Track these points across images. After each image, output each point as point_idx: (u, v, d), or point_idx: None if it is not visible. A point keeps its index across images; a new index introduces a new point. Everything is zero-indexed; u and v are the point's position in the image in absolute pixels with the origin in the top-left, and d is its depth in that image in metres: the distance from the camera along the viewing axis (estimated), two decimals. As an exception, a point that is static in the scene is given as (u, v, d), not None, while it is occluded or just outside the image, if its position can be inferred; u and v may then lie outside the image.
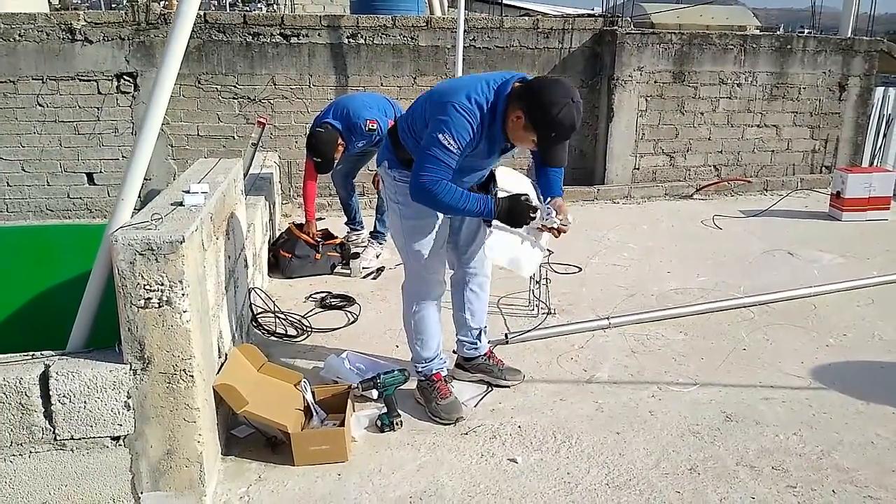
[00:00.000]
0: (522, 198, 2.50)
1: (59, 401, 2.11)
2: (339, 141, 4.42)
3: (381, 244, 4.88)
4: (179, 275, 2.09)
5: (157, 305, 2.10)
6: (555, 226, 2.55)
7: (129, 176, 2.28)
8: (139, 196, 6.30)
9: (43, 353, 2.21)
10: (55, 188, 6.22)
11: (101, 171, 6.24)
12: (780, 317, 3.79)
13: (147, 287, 2.08)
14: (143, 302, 2.08)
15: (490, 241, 2.60)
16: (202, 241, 2.35)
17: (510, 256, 2.63)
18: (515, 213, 2.47)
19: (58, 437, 2.14)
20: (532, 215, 2.49)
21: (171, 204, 2.42)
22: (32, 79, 5.94)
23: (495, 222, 2.51)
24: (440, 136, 2.38)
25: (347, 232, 5.10)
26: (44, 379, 2.10)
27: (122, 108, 6.10)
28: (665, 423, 2.76)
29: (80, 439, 2.16)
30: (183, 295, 2.11)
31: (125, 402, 2.15)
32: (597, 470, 2.47)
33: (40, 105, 6.01)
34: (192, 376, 2.17)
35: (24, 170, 6.13)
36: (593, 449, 2.59)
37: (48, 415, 2.12)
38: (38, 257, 5.63)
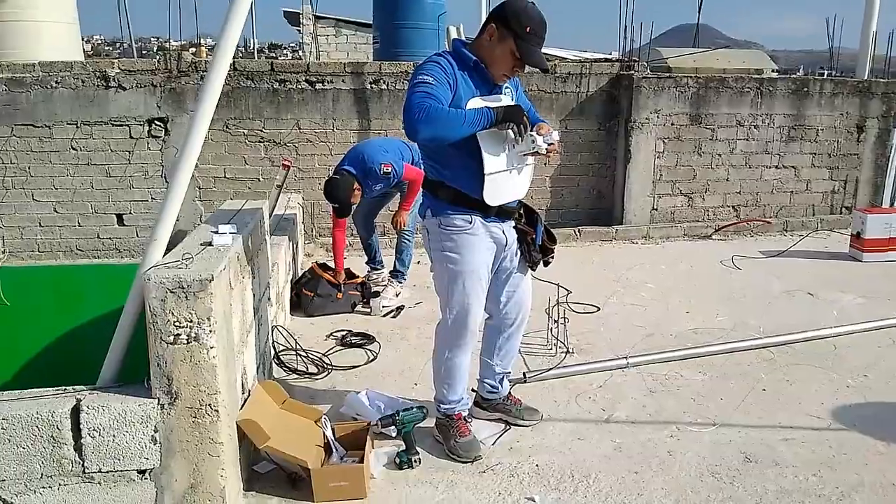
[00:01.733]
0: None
1: (89, 434, 2.18)
2: (355, 186, 4.54)
3: (400, 283, 4.96)
4: (207, 312, 2.17)
5: (185, 342, 2.18)
6: (542, 151, 2.58)
7: (162, 217, 2.39)
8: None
9: (74, 387, 2.29)
10: (86, 228, 6.41)
11: (130, 213, 6.43)
12: (800, 357, 3.77)
13: (177, 323, 2.16)
14: (172, 338, 2.17)
15: (487, 188, 2.58)
16: (230, 279, 2.44)
17: (506, 195, 2.66)
18: (511, 111, 2.52)
19: (86, 470, 2.21)
20: (526, 121, 2.53)
21: (201, 244, 2.52)
22: (67, 123, 6.19)
23: (486, 146, 2.55)
24: (415, 80, 2.49)
25: (368, 271, 5.19)
26: (75, 413, 2.17)
27: (152, 151, 6.32)
28: (683, 463, 2.76)
29: (107, 472, 2.22)
30: (210, 332, 2.19)
31: (152, 436, 2.22)
32: (614, 509, 2.48)
33: (74, 149, 6.25)
34: (217, 411, 2.24)
35: (56, 211, 6.34)
36: (611, 489, 2.60)
37: (78, 448, 2.19)
38: (68, 295, 5.79)
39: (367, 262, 5.26)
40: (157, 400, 2.21)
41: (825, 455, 2.81)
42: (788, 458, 2.78)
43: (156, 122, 6.28)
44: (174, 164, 2.51)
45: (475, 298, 2.72)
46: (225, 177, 6.42)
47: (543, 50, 2.68)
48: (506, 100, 2.66)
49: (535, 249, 2.81)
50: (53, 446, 2.17)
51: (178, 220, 6.62)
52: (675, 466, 2.74)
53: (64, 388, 2.29)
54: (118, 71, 6.15)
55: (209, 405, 2.23)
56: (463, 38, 8.40)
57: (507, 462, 2.78)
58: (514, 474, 2.70)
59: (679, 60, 7.42)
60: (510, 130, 2.55)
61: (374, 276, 5.15)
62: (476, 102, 2.55)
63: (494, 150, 2.58)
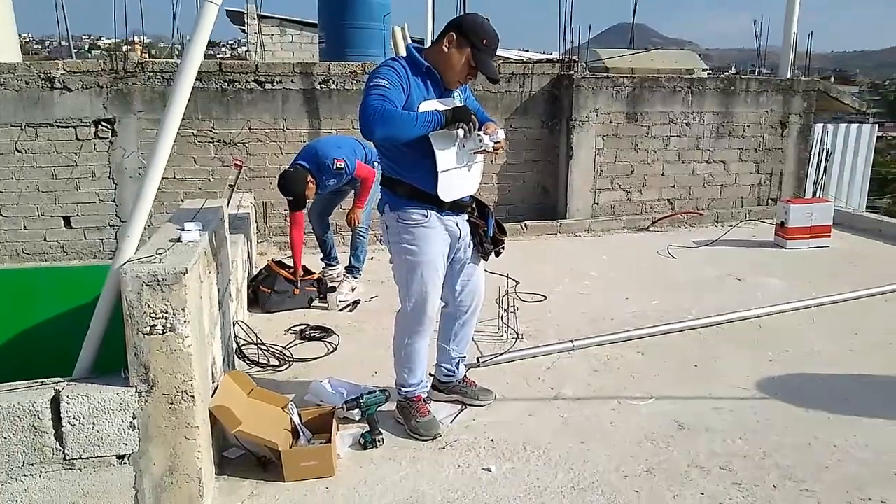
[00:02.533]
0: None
1: (69, 422, 2.28)
2: (309, 179, 4.68)
3: (356, 278, 5.12)
4: (182, 303, 2.30)
5: (161, 332, 2.30)
6: (489, 148, 2.79)
7: (134, 215, 2.51)
8: (115, 238, 6.44)
9: (52, 379, 2.39)
10: (31, 231, 6.33)
11: (77, 215, 6.38)
12: (728, 336, 4.11)
13: (152, 315, 2.28)
14: (148, 329, 2.29)
15: (441, 184, 2.77)
16: (199, 273, 2.57)
17: (459, 190, 2.85)
18: (460, 112, 2.73)
19: (67, 457, 2.31)
20: (474, 119, 2.74)
21: (170, 240, 2.64)
22: (11, 126, 6.10)
23: (438, 145, 2.74)
24: (371, 83, 2.68)
25: (323, 267, 5.33)
26: (55, 402, 2.27)
27: (99, 153, 6.29)
28: (624, 432, 3.02)
29: (88, 458, 2.33)
30: (185, 322, 2.32)
31: (130, 422, 2.33)
32: (563, 475, 2.71)
33: (18, 151, 6.16)
34: (192, 397, 2.37)
35: (1, 214, 6.24)
36: (560, 457, 2.84)
37: (59, 436, 2.29)
38: (16, 299, 5.72)
39: (322, 259, 5.40)
40: (134, 388, 2.32)
41: (750, 421, 3.11)
42: (717, 424, 3.08)
43: (102, 123, 6.25)
44: (147, 164, 2.62)
45: (432, 287, 2.91)
46: (175, 177, 6.43)
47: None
48: (455, 102, 2.86)
49: (487, 241, 3.03)
50: (35, 435, 2.27)
51: (126, 221, 6.58)
52: (616, 435, 3.00)
53: (41, 380, 2.38)
54: (63, 72, 6.10)
55: (185, 391, 2.36)
56: (408, 37, 8.58)
57: (465, 438, 2.99)
58: (471, 449, 2.91)
59: (616, 61, 7.78)
60: (459, 130, 2.76)
61: (330, 273, 5.29)
62: (429, 104, 2.74)
63: (446, 149, 2.78)
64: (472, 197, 2.99)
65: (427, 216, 2.83)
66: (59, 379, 2.40)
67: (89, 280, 4.84)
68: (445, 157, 2.77)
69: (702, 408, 3.23)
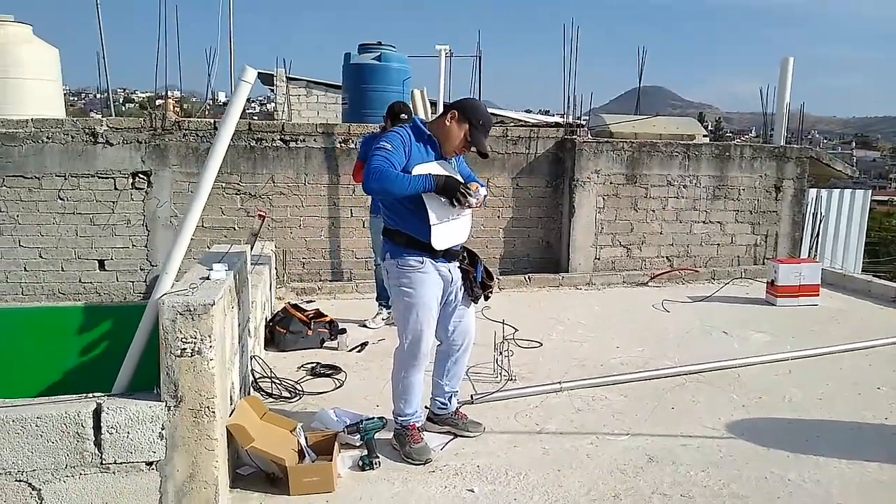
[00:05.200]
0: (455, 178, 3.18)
1: (108, 431, 2.66)
2: None
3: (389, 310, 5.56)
4: (209, 330, 2.70)
5: (189, 354, 2.70)
6: (474, 205, 3.18)
7: (172, 255, 2.94)
8: (145, 281, 6.93)
9: (95, 393, 2.78)
10: (68, 273, 6.83)
11: (111, 258, 6.88)
12: (708, 383, 4.41)
13: (183, 340, 2.69)
14: (179, 351, 2.69)
15: (435, 234, 3.15)
16: (224, 307, 2.98)
17: (450, 240, 3.22)
18: (450, 184, 3.12)
19: (104, 462, 2.68)
20: (462, 190, 3.12)
21: (200, 278, 3.06)
22: (56, 175, 6.68)
23: (431, 203, 3.13)
24: (377, 145, 3.15)
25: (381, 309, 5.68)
26: (97, 413, 2.66)
27: (135, 202, 6.83)
28: (598, 463, 3.33)
29: (121, 463, 2.69)
30: (210, 346, 2.71)
31: (160, 433, 2.71)
32: (539, 497, 3.02)
33: (61, 199, 6.72)
34: (213, 413, 2.75)
35: (41, 256, 6.76)
36: (537, 482, 3.15)
37: (98, 443, 2.67)
38: (49, 335, 6.16)
39: (379, 300, 5.72)
40: (164, 403, 2.71)
41: (714, 456, 3.41)
42: (684, 458, 3.38)
43: (139, 175, 6.81)
44: (185, 214, 3.07)
45: (427, 326, 3.30)
46: (203, 226, 6.93)
47: (495, 111, 3.39)
48: (451, 165, 3.31)
49: (477, 286, 3.42)
50: (77, 441, 2.65)
51: (156, 266, 7.05)
52: (591, 465, 3.30)
53: (84, 394, 2.77)
54: (106, 128, 6.70)
55: (207, 407, 2.74)
56: (426, 99, 9.18)
57: (453, 464, 3.32)
58: (458, 473, 3.24)
59: (620, 126, 8.25)
60: (449, 200, 3.16)
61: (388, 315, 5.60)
62: (428, 166, 3.19)
63: (438, 207, 3.20)
64: (462, 246, 3.40)
65: (423, 262, 3.23)
66: (101, 394, 2.79)
67: (119, 317, 5.27)
68: (436, 214, 3.19)
69: (672, 444, 3.53)
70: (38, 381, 5.60)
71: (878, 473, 3.24)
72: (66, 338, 5.90)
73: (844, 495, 3.05)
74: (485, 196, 3.28)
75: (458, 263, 3.38)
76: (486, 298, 3.52)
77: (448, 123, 3.26)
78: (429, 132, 3.29)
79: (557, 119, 9.96)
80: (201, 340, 2.70)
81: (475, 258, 3.45)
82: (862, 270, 9.18)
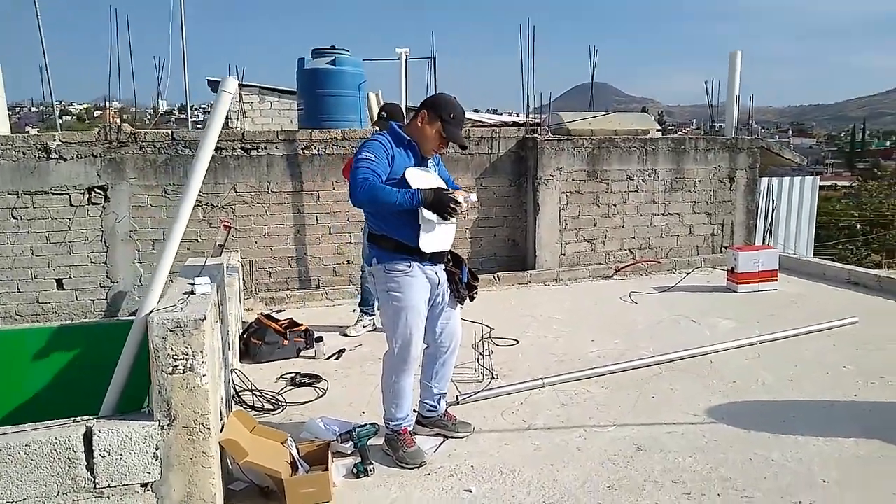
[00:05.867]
0: (444, 190, 3.17)
1: (100, 454, 2.60)
2: None
3: (370, 316, 5.61)
4: (200, 346, 2.66)
5: (182, 371, 2.65)
6: (463, 209, 3.19)
7: (157, 271, 2.88)
8: (106, 299, 6.71)
9: (83, 417, 2.71)
10: (25, 294, 6.59)
11: (69, 277, 6.66)
12: (683, 371, 4.53)
13: (175, 356, 2.63)
14: (171, 369, 2.64)
15: (422, 239, 3.16)
16: (212, 321, 2.94)
17: (437, 244, 3.23)
18: (439, 200, 3.12)
19: (97, 486, 2.61)
20: (452, 204, 3.13)
21: (184, 293, 3.01)
22: (8, 194, 6.42)
23: (424, 213, 3.13)
24: (360, 156, 3.16)
25: (360, 317, 5.65)
26: (88, 437, 2.59)
27: (92, 217, 6.62)
28: (589, 455, 3.39)
29: (115, 487, 2.63)
30: (203, 362, 2.67)
31: (154, 453, 2.65)
32: (536, 492, 3.06)
33: (14, 217, 6.48)
34: (209, 429, 2.70)
35: (-5, 278, 6.51)
36: (532, 478, 3.19)
37: (90, 467, 2.60)
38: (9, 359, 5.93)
39: (361, 306, 5.69)
40: (157, 422, 2.65)
41: (699, 442, 3.51)
42: (671, 445, 3.47)
43: (96, 189, 6.61)
44: (169, 231, 3.01)
45: (416, 329, 3.30)
46: (164, 239, 6.71)
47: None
48: (432, 175, 3.32)
49: (462, 287, 3.45)
50: (69, 466, 2.57)
51: (117, 282, 6.85)
52: (582, 458, 3.37)
53: (73, 418, 2.69)
54: (59, 143, 6.48)
55: (202, 424, 2.69)
56: (382, 102, 9.16)
57: (447, 465, 3.34)
58: (453, 474, 3.25)
59: (577, 123, 8.37)
60: (434, 216, 3.16)
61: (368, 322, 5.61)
62: (413, 172, 3.20)
63: (426, 212, 3.21)
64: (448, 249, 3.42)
65: (410, 266, 3.24)
66: (89, 417, 2.71)
67: (84, 337, 5.10)
68: (426, 217, 3.20)
69: (657, 432, 3.62)
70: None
71: (855, 449, 3.39)
72: (28, 361, 5.69)
73: (826, 471, 3.18)
74: (475, 202, 3.30)
75: (443, 266, 3.40)
76: (472, 300, 3.54)
77: (420, 124, 3.27)
78: (408, 137, 3.30)
79: (516, 118, 10.08)
80: (193, 356, 2.65)
81: (459, 260, 3.48)
82: (814, 254, 9.55)
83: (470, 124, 9.69)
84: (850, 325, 5.41)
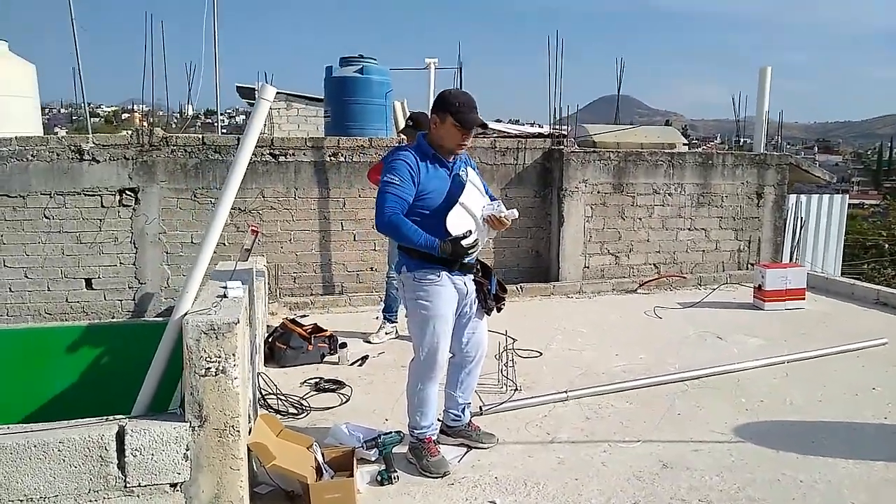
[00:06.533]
0: (463, 240, 3.12)
1: (131, 453, 2.63)
2: None
3: (392, 323, 5.64)
4: (233, 349, 2.69)
5: (214, 374, 2.68)
6: (502, 215, 3.23)
7: (192, 274, 2.92)
8: (133, 300, 6.79)
9: (116, 416, 2.74)
10: (55, 293, 6.70)
11: (99, 277, 6.76)
12: (710, 388, 4.49)
13: (208, 359, 2.67)
14: (203, 371, 2.67)
15: (450, 217, 3.15)
16: (243, 324, 2.97)
17: (466, 228, 3.18)
18: (455, 251, 3.13)
19: (128, 485, 2.65)
20: (469, 251, 3.15)
21: (217, 297, 3.04)
22: (41, 194, 6.55)
23: (462, 204, 3.19)
24: (385, 178, 3.18)
25: (383, 324, 5.68)
26: (120, 436, 2.63)
27: (122, 219, 6.73)
28: (614, 471, 3.37)
29: (145, 486, 2.66)
30: (234, 365, 2.70)
31: (184, 453, 2.68)
32: (560, 506, 3.05)
33: (46, 217, 6.59)
34: (238, 431, 2.73)
35: (26, 276, 6.62)
36: (557, 491, 3.18)
37: (121, 466, 2.63)
38: (38, 357, 6.02)
39: (384, 313, 5.72)
40: (188, 423, 2.68)
41: (726, 460, 3.47)
42: (697, 463, 3.43)
43: (127, 191, 6.71)
44: (206, 233, 3.06)
45: (443, 338, 3.31)
46: (192, 242, 6.86)
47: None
48: (474, 192, 3.31)
49: (490, 298, 3.45)
50: (101, 464, 2.61)
51: (144, 284, 6.94)
52: (607, 473, 3.34)
53: (106, 417, 2.73)
54: (92, 145, 6.60)
55: (232, 426, 2.72)
56: (407, 111, 9.22)
57: (471, 476, 3.33)
58: (477, 485, 3.25)
59: (602, 136, 8.36)
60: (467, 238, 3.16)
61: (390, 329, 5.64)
62: (469, 194, 3.25)
63: (459, 217, 3.22)
64: (477, 259, 3.42)
65: (439, 276, 3.25)
66: (122, 416, 2.75)
67: (113, 336, 5.17)
68: (457, 222, 3.20)
69: (684, 449, 3.59)
70: (26, 404, 5.46)
71: (885, 472, 3.33)
72: (56, 359, 5.77)
73: (855, 493, 3.13)
74: (515, 217, 3.30)
75: (472, 276, 3.40)
76: (500, 311, 3.54)
77: (434, 127, 3.27)
78: (432, 149, 3.29)
79: (540, 129, 10.08)
80: (225, 359, 2.68)
81: (488, 271, 3.48)
82: (841, 273, 9.41)
83: (495, 135, 9.72)
84: (879, 345, 5.33)
